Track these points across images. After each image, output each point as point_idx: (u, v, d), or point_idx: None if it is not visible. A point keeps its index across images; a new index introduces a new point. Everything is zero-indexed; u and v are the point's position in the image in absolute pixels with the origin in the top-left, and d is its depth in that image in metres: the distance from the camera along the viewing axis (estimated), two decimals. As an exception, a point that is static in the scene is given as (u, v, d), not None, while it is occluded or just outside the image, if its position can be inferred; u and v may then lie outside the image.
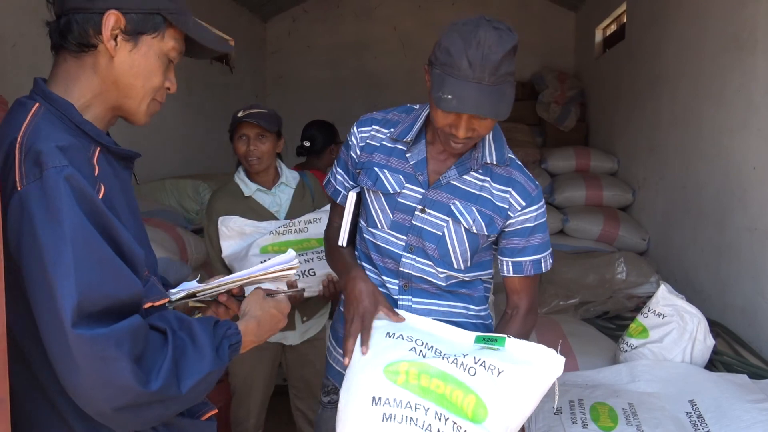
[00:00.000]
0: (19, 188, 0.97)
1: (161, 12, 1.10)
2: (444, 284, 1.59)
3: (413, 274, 1.58)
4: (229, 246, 2.34)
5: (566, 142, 5.69)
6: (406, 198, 1.56)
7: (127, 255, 1.01)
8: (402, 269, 1.58)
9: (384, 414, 1.29)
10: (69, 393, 0.95)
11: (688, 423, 1.91)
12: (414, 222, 1.56)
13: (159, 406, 0.99)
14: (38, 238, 0.94)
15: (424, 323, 1.52)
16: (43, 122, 1.03)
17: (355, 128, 1.65)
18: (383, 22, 6.86)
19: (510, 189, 1.54)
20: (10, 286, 0.95)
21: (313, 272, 2.26)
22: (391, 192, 1.56)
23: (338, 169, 1.70)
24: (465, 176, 1.54)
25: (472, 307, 1.66)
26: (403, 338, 1.44)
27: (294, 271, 1.25)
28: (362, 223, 1.66)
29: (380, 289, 1.61)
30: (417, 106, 1.63)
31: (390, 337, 1.46)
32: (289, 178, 2.51)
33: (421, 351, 1.41)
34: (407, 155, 1.56)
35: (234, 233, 2.34)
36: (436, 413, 1.30)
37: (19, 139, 1.00)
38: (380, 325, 1.51)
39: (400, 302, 1.60)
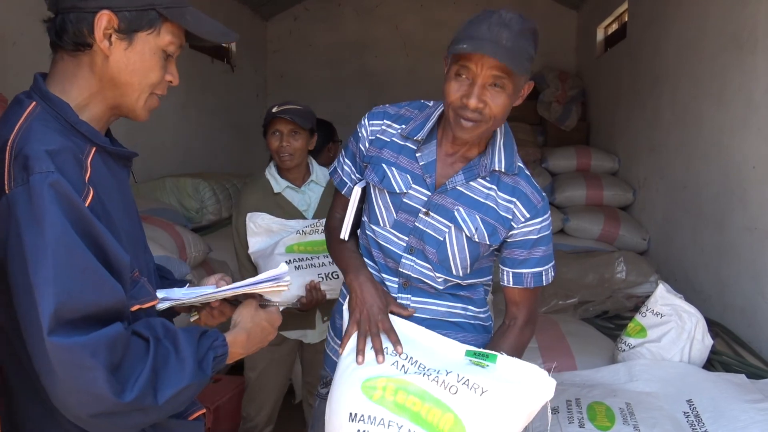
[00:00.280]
0: (7, 191, 0.97)
1: (155, 7, 1.09)
2: (442, 288, 1.58)
3: (412, 275, 1.57)
4: (255, 243, 2.35)
5: (567, 142, 5.69)
6: (412, 199, 1.53)
7: (112, 262, 1.00)
8: (401, 270, 1.57)
9: (359, 431, 1.31)
10: (50, 397, 0.95)
11: (686, 423, 1.91)
12: (417, 224, 1.53)
13: (138, 414, 0.99)
14: (22, 243, 0.94)
15: (417, 332, 1.51)
16: (36, 123, 1.03)
17: (366, 120, 1.61)
18: (384, 21, 6.86)
19: (515, 199, 1.51)
20: (3, 286, 0.95)
21: (337, 275, 2.26)
22: (398, 192, 1.53)
23: (346, 160, 1.66)
24: (472, 183, 1.51)
25: (471, 308, 1.64)
26: (387, 352, 1.44)
27: (285, 287, 1.24)
28: (364, 218, 1.65)
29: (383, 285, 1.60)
30: (431, 103, 1.59)
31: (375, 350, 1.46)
32: (320, 176, 2.49)
33: (403, 366, 1.40)
34: (417, 155, 1.53)
35: (261, 230, 2.34)
36: (410, 431, 1.29)
37: (10, 140, 1.00)
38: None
39: (399, 300, 1.59)
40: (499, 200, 1.51)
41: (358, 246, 1.68)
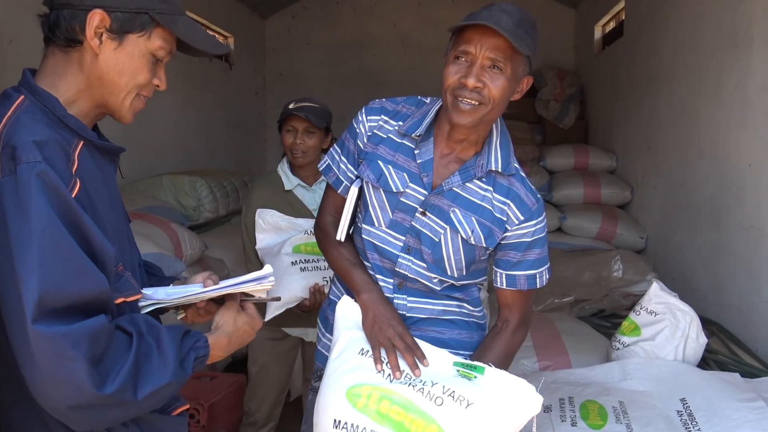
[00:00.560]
0: None
1: (149, 12, 1.10)
2: (438, 288, 1.57)
3: (408, 275, 1.55)
4: (263, 239, 2.34)
5: (566, 140, 5.68)
6: (409, 198, 1.51)
7: (97, 253, 1.00)
8: (398, 270, 1.54)
9: None
10: (28, 387, 0.96)
11: (679, 421, 1.91)
12: (414, 224, 1.51)
13: (116, 408, 0.99)
14: (8, 231, 0.95)
15: None
16: (24, 115, 1.04)
17: (363, 115, 1.57)
18: (383, 19, 6.85)
19: (509, 201, 1.50)
20: None
21: None
22: (395, 191, 1.51)
23: (342, 158, 1.60)
24: (468, 184, 1.49)
25: (467, 306, 1.63)
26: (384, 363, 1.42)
27: (270, 286, 1.24)
28: (359, 219, 1.61)
29: None
30: (428, 100, 1.56)
31: (363, 354, 1.44)
32: None
33: (389, 374, 1.39)
34: (416, 152, 1.50)
35: (270, 227, 2.33)
36: None
37: None
38: (357, 339, 1.48)
39: (395, 301, 1.56)
40: (495, 202, 1.50)
41: (355, 250, 1.63)
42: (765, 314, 2.66)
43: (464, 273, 1.56)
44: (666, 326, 2.21)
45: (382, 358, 1.42)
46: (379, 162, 1.52)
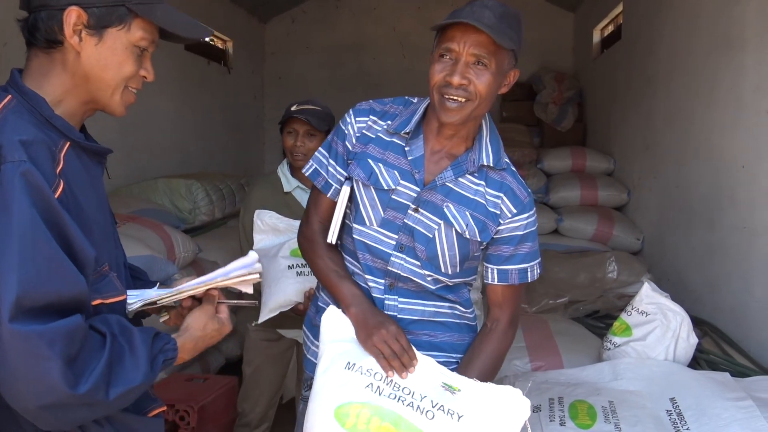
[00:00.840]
0: None
1: (125, 3, 1.10)
2: (432, 287, 1.55)
3: (401, 274, 1.53)
4: (260, 240, 2.34)
5: (564, 143, 5.68)
6: (400, 195, 1.50)
7: (77, 254, 1.01)
8: (391, 269, 1.53)
9: None
10: None
11: (668, 421, 1.90)
12: (406, 221, 1.50)
13: (85, 408, 0.99)
14: None
15: None
16: (11, 115, 1.05)
17: (351, 117, 1.56)
18: (382, 22, 6.86)
19: (502, 195, 1.51)
20: None
21: None
22: (386, 188, 1.50)
23: (330, 161, 1.58)
24: (461, 179, 1.50)
25: (458, 307, 1.62)
26: (361, 372, 1.39)
27: (257, 276, 1.23)
28: (349, 220, 1.59)
29: (362, 287, 1.57)
30: (415, 99, 1.58)
31: (349, 369, 1.40)
32: None
33: (378, 387, 1.36)
34: (406, 149, 1.51)
35: (268, 228, 2.33)
36: None
37: None
38: (343, 352, 1.44)
39: (386, 301, 1.55)
40: (488, 196, 1.50)
41: (342, 260, 1.60)
42: (757, 314, 2.65)
43: (458, 270, 1.55)
44: (657, 326, 2.21)
45: (383, 362, 1.41)
46: (369, 160, 1.51)
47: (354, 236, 1.55)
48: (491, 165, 1.50)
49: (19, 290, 0.92)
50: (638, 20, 4.47)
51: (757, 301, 2.67)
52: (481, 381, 1.43)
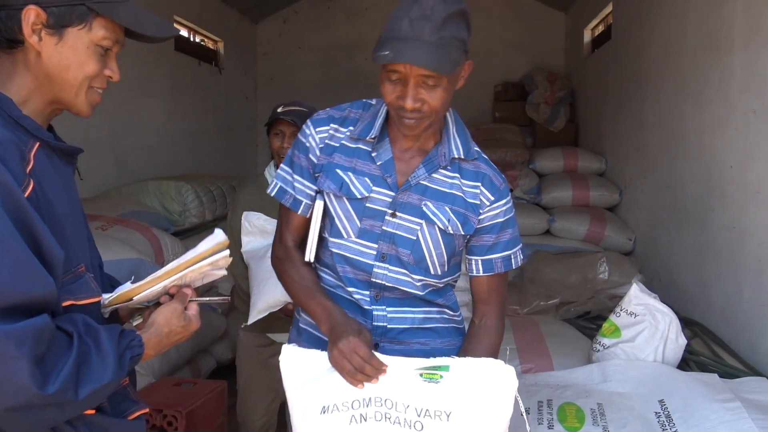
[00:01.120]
0: None
1: (85, 2, 1.09)
2: (421, 293, 1.50)
3: (386, 284, 1.47)
4: (249, 242, 2.33)
5: (556, 143, 5.69)
6: (375, 202, 1.45)
7: (45, 254, 1.00)
8: (374, 280, 1.47)
9: None
10: None
11: (657, 423, 1.90)
12: (385, 228, 1.45)
13: (54, 409, 0.98)
14: None
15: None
16: None
17: (311, 128, 1.50)
18: (375, 22, 6.81)
19: (479, 184, 1.47)
20: None
21: None
22: (359, 197, 1.44)
23: (295, 176, 1.51)
24: (434, 175, 1.46)
25: (447, 311, 1.58)
26: (339, 409, 1.32)
27: (227, 253, 1.21)
28: (325, 233, 1.52)
29: (347, 299, 1.50)
30: (374, 101, 1.52)
31: (325, 412, 1.32)
32: None
33: (361, 416, 1.30)
34: (373, 155, 1.45)
35: (256, 230, 2.31)
36: None
37: None
38: (313, 396, 1.35)
39: (374, 313, 1.49)
40: (465, 188, 1.47)
41: (312, 274, 1.53)
42: (747, 314, 2.65)
43: (446, 269, 1.52)
44: (645, 327, 2.21)
45: (348, 379, 1.33)
46: (338, 171, 1.46)
47: (332, 250, 1.49)
48: (462, 157, 1.47)
49: None
50: (627, 20, 4.47)
51: (747, 301, 2.67)
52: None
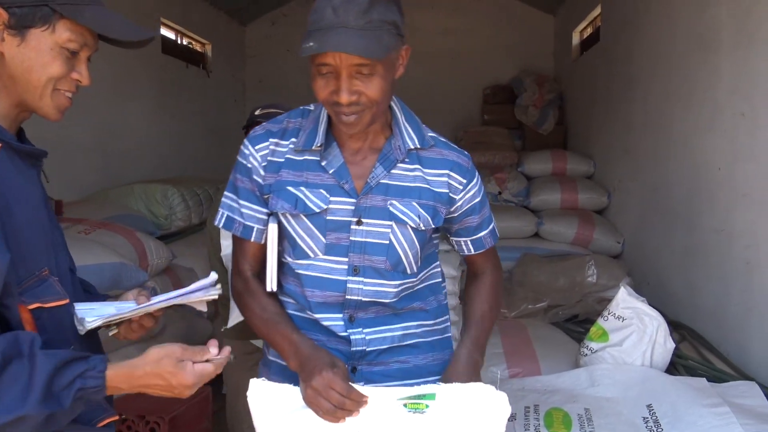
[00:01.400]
0: None
1: (48, 3, 1.06)
2: (397, 300, 1.40)
3: (362, 300, 1.37)
4: (228, 246, 2.28)
5: (545, 146, 5.68)
6: (336, 213, 1.35)
7: None
8: (349, 297, 1.37)
9: None
10: None
11: (644, 428, 1.88)
12: (353, 238, 1.35)
13: None
14: None
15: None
16: None
17: (250, 147, 1.38)
18: (363, 25, 6.83)
19: (446, 171, 1.40)
20: None
21: None
22: (317, 211, 1.34)
23: (241, 202, 1.39)
24: (394, 171, 1.37)
25: (426, 323, 1.48)
26: None
27: (215, 295, 1.18)
28: (286, 258, 1.40)
29: (319, 327, 1.39)
30: (312, 107, 1.42)
31: None
32: None
33: None
34: (323, 164, 1.35)
35: None
36: None
37: None
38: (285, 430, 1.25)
39: (351, 337, 1.37)
40: (429, 177, 1.39)
41: (276, 305, 1.41)
42: (736, 317, 2.65)
43: (420, 263, 1.44)
44: (633, 331, 2.19)
45: (327, 418, 1.23)
46: (289, 188, 1.35)
47: (298, 272, 1.38)
48: (418, 146, 1.38)
49: None
50: (616, 23, 4.48)
51: (736, 304, 2.66)
52: (486, 317, 1.41)
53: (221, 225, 1.43)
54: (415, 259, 1.40)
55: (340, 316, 1.38)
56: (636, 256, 3.99)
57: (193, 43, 5.86)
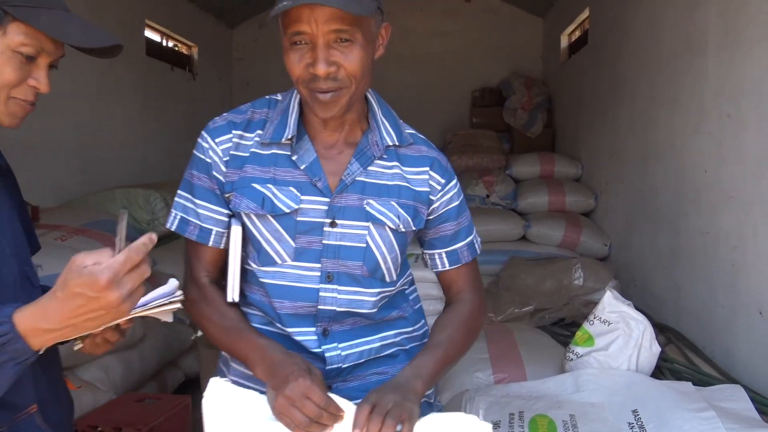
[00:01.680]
0: None
1: (1, 5, 1.01)
2: (375, 310, 1.28)
3: (337, 309, 1.25)
4: None
5: (534, 148, 5.68)
6: (308, 214, 1.22)
7: None
8: (322, 307, 1.24)
9: None
10: None
11: (630, 434, 1.85)
12: (326, 241, 1.22)
13: None
14: None
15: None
16: None
17: (209, 140, 1.24)
18: (351, 28, 6.81)
19: (426, 168, 1.29)
20: None
21: None
22: (287, 211, 1.21)
23: (197, 202, 1.24)
24: (371, 168, 1.26)
25: (405, 330, 1.37)
26: None
27: (178, 305, 1.13)
28: (250, 264, 1.26)
29: (289, 342, 1.25)
30: (279, 96, 1.30)
31: None
32: None
33: None
34: (294, 158, 1.23)
35: None
36: None
37: None
38: None
39: (326, 354, 1.25)
40: (408, 176, 1.28)
41: (237, 313, 1.27)
42: (721, 319, 2.63)
43: (398, 270, 1.33)
44: (619, 335, 2.16)
45: None
46: (255, 185, 1.22)
47: (264, 281, 1.24)
48: (396, 143, 1.28)
49: None
50: (604, 25, 4.47)
51: (721, 307, 2.64)
52: (444, 344, 1.21)
53: (174, 228, 1.28)
54: (394, 264, 1.29)
55: (313, 330, 1.25)
56: (622, 258, 3.98)
57: (179, 45, 5.81)
